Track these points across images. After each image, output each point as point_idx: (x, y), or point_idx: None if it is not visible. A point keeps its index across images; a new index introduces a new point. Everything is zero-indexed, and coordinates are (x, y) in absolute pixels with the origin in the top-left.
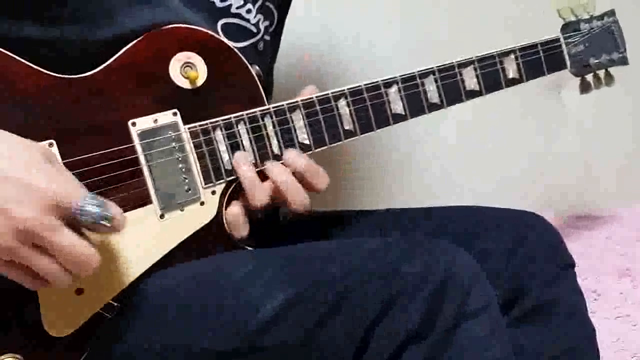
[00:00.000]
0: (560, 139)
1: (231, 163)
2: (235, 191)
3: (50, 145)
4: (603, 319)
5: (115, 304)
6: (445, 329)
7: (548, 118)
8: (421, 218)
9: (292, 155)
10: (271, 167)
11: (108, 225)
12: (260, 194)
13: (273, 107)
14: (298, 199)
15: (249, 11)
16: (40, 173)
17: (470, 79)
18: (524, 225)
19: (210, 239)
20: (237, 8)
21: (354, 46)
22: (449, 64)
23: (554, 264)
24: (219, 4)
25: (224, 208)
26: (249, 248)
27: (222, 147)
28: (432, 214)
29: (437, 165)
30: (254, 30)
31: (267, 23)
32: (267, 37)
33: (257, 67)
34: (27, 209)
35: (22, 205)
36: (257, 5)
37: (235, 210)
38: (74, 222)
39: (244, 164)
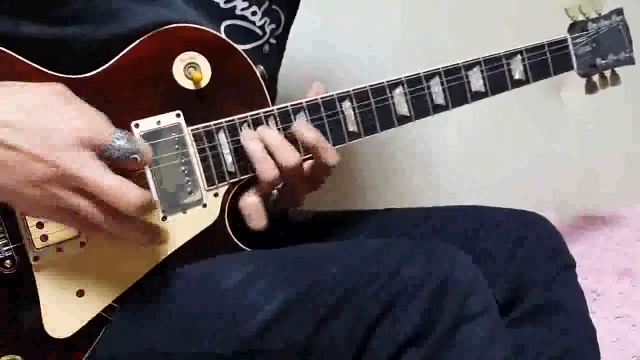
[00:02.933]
0: (560, 139)
1: (234, 165)
2: (237, 193)
3: None
4: (603, 319)
5: (116, 305)
6: (445, 330)
7: (548, 118)
8: (421, 218)
9: (302, 127)
10: (262, 129)
11: (138, 160)
12: (269, 166)
13: (277, 109)
14: (290, 158)
15: (254, 13)
16: (65, 112)
17: (476, 81)
18: (524, 225)
19: (212, 241)
20: (242, 10)
21: (353, 46)
22: (455, 65)
23: (555, 264)
24: (223, 5)
25: (227, 207)
26: (249, 249)
27: (225, 149)
28: (432, 214)
29: (437, 165)
30: (260, 32)
31: (273, 26)
32: (272, 41)
33: (262, 67)
34: (63, 154)
35: (53, 149)
36: (262, 8)
37: (252, 199)
38: (104, 159)
39: (251, 139)
